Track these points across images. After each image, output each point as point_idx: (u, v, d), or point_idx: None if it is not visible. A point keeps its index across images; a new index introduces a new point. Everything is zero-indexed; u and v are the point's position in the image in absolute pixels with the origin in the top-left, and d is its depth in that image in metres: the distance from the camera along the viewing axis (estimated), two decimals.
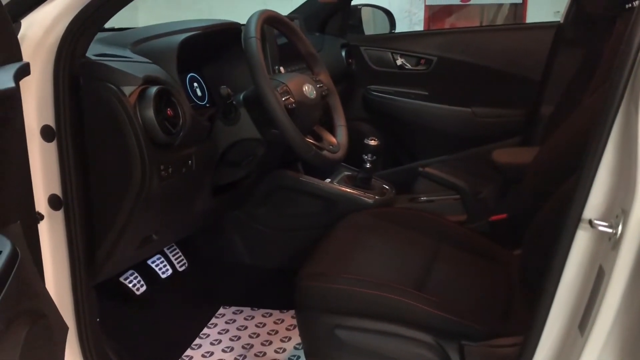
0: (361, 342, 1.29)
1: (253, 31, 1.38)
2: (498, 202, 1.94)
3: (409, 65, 2.64)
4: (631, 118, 0.88)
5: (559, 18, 2.45)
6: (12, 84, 0.93)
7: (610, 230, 0.89)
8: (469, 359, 1.22)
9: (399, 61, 2.65)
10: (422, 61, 2.63)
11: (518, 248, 1.63)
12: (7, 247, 0.85)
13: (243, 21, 1.80)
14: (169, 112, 1.28)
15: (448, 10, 3.67)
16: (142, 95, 1.23)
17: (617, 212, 0.90)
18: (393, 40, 2.69)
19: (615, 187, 0.92)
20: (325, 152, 1.53)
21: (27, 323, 0.88)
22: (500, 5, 3.61)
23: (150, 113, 1.22)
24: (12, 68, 0.97)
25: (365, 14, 2.86)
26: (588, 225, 0.93)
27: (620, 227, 0.88)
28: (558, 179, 1.27)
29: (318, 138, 1.59)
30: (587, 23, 2.12)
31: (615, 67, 0.89)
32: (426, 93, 2.63)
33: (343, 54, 2.55)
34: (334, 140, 1.62)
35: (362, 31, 2.83)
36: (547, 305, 1.00)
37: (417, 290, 1.32)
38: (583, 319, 0.97)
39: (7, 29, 1.00)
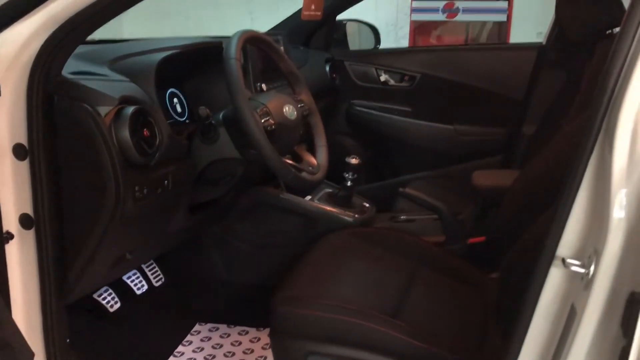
0: None
1: (233, 52, 1.37)
2: (477, 224, 1.94)
3: (392, 81, 2.65)
4: (605, 159, 0.88)
5: (541, 39, 2.48)
6: None
7: (582, 270, 0.89)
8: None
9: (383, 77, 2.65)
10: (406, 77, 2.63)
11: (495, 271, 1.64)
12: None
13: (229, 30, 1.79)
14: (145, 132, 1.26)
15: (433, 24, 3.69)
16: (118, 115, 1.22)
17: (590, 252, 0.90)
18: (377, 56, 2.69)
19: (589, 226, 0.92)
20: (304, 174, 1.52)
21: None
22: (484, 23, 3.64)
23: (125, 134, 1.20)
24: None
25: (351, 28, 2.87)
26: (561, 264, 0.93)
27: (592, 268, 0.88)
28: (535, 205, 1.27)
29: (298, 159, 1.59)
30: (569, 46, 2.14)
31: (591, 108, 0.90)
32: (409, 109, 2.64)
33: (327, 68, 2.55)
34: (313, 161, 1.62)
35: (347, 45, 2.83)
36: (521, 340, 1.00)
37: (391, 317, 1.32)
38: (554, 357, 0.96)
39: None
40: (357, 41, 2.91)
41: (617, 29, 1.85)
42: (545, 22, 2.47)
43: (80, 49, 1.35)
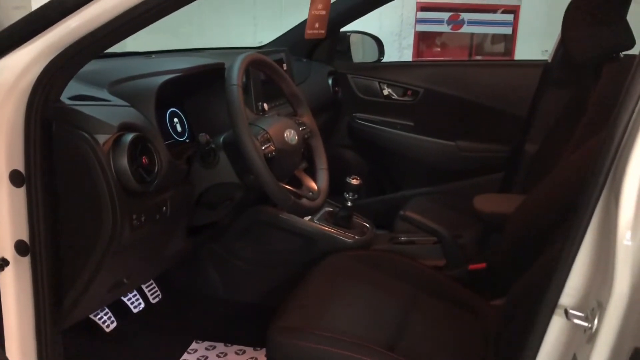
0: None
1: (235, 78, 1.35)
2: (478, 249, 1.93)
3: (395, 96, 2.63)
4: (610, 211, 0.86)
5: (546, 57, 2.46)
6: None
7: (586, 324, 0.88)
8: None
9: (386, 91, 2.64)
10: (409, 92, 2.62)
11: (496, 298, 1.62)
12: None
13: (232, 37, 1.76)
14: (144, 159, 1.24)
15: (438, 33, 3.67)
16: (116, 143, 1.20)
17: (593, 305, 0.88)
18: (380, 69, 2.67)
19: (592, 276, 0.91)
20: (304, 200, 1.51)
21: None
22: (489, 35, 3.62)
23: (124, 162, 1.19)
24: None
25: (355, 39, 2.85)
26: (563, 314, 0.92)
27: (596, 322, 0.86)
28: (538, 235, 1.25)
29: (298, 184, 1.57)
30: (574, 65, 2.12)
31: (598, 157, 0.88)
32: (412, 124, 2.63)
33: (330, 81, 2.53)
34: (313, 186, 1.60)
35: (350, 57, 2.81)
36: None
37: (388, 349, 1.30)
38: None
39: None
40: (360, 52, 2.89)
41: (623, 53, 1.83)
42: (551, 36, 2.45)
43: (82, 70, 1.34)
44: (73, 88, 1.31)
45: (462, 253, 1.89)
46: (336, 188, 1.90)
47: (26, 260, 1.21)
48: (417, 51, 3.64)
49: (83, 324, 1.64)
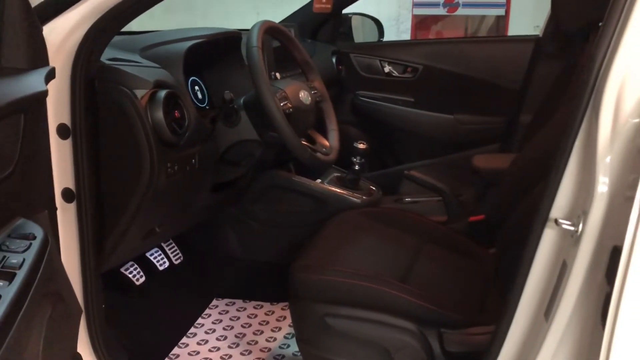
0: (349, 328, 1.41)
1: (255, 41, 1.49)
2: (477, 204, 2.06)
3: (396, 73, 2.76)
4: (592, 130, 1.00)
5: (538, 32, 2.60)
6: (44, 87, 1.03)
7: (572, 228, 1.02)
8: (447, 345, 1.34)
9: (387, 69, 2.77)
10: (409, 69, 2.75)
11: (494, 247, 1.76)
12: (40, 234, 0.94)
13: (235, 26, 1.91)
14: (176, 114, 1.38)
15: (434, 19, 3.81)
16: (152, 98, 1.34)
17: (579, 213, 1.02)
18: (381, 48, 2.81)
19: (578, 191, 1.05)
20: (318, 154, 1.64)
21: (50, 304, 0.97)
22: (484, 17, 3.76)
23: (159, 114, 1.32)
24: (43, 72, 1.07)
25: (355, 22, 2.98)
26: (554, 224, 1.05)
27: (581, 226, 1.00)
28: (531, 183, 1.39)
29: (312, 141, 1.71)
30: (564, 38, 2.26)
31: (579, 84, 1.02)
32: (412, 100, 2.76)
33: (333, 60, 2.67)
34: (326, 143, 1.74)
35: (352, 39, 2.94)
36: (518, 295, 1.12)
37: (401, 282, 1.44)
38: (548, 307, 1.09)
39: (38, 37, 1.10)
40: (361, 34, 3.02)
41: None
42: (542, 16, 2.59)
43: (113, 38, 1.47)
44: (109, 53, 1.44)
45: (462, 208, 2.02)
46: (343, 161, 2.04)
47: (72, 207, 1.34)
48: (415, 36, 3.78)
49: (116, 277, 1.78)
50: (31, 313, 0.87)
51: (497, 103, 2.62)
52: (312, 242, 1.62)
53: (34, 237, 0.93)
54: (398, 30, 3.86)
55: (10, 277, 0.82)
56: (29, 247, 0.90)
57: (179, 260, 2.03)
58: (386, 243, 1.67)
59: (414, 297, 1.37)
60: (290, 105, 1.57)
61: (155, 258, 1.94)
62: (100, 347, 1.42)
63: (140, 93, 1.32)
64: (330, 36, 2.79)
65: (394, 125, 2.78)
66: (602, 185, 0.98)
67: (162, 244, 2.01)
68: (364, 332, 1.40)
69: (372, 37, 2.97)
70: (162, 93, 1.34)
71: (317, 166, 1.67)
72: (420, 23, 3.78)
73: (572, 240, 1.03)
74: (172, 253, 2.03)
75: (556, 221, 1.05)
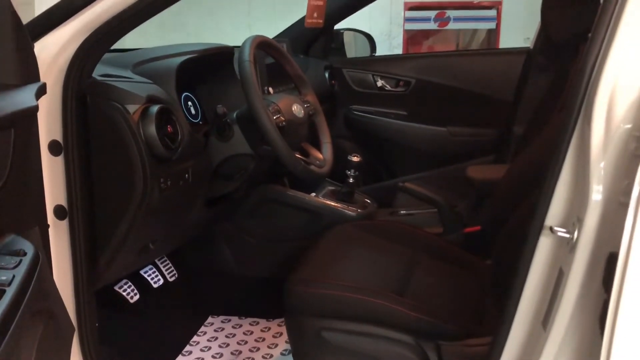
0: (346, 343, 1.39)
1: (247, 55, 1.49)
2: (472, 215, 2.06)
3: (388, 87, 2.78)
4: (585, 138, 1.01)
5: (528, 44, 2.62)
6: (35, 103, 1.03)
7: (567, 236, 1.01)
8: (445, 357, 1.33)
9: (379, 83, 2.78)
10: (401, 83, 2.76)
11: (490, 258, 1.76)
12: (30, 250, 0.93)
13: (229, 42, 1.91)
14: (169, 128, 1.38)
15: (426, 34, 3.84)
16: (144, 113, 1.33)
17: (574, 220, 1.02)
18: (373, 63, 2.82)
19: (572, 198, 1.05)
20: (312, 167, 1.64)
21: (42, 323, 0.96)
22: (475, 30, 3.80)
23: (152, 129, 1.32)
24: (33, 88, 1.07)
25: (348, 37, 3.00)
26: (549, 232, 1.05)
27: (576, 233, 1.00)
28: (525, 192, 1.39)
29: (306, 154, 1.71)
30: (554, 49, 2.28)
31: (571, 92, 1.02)
32: (405, 113, 2.77)
33: (326, 75, 2.68)
34: (320, 155, 1.74)
35: (344, 54, 2.96)
36: (514, 304, 1.11)
37: (397, 295, 1.43)
38: (545, 316, 1.08)
39: (29, 53, 1.10)
40: (353, 50, 3.04)
41: None
42: (533, 28, 2.62)
43: (105, 55, 1.47)
44: (101, 69, 1.44)
45: (458, 220, 2.02)
46: (337, 175, 2.04)
47: (64, 224, 1.33)
48: (407, 51, 3.81)
49: (110, 295, 1.76)
50: (21, 332, 0.85)
51: (490, 115, 2.64)
52: (308, 255, 1.61)
53: (25, 254, 0.92)
54: (390, 45, 3.90)
55: None
56: (19, 264, 0.89)
57: (173, 278, 2.02)
58: (382, 256, 1.66)
59: (411, 310, 1.36)
60: (283, 119, 1.57)
61: (149, 275, 1.92)
62: None
63: (132, 108, 1.32)
64: (322, 52, 2.81)
65: (388, 138, 2.78)
66: (596, 191, 0.98)
67: (156, 261, 2.00)
68: (361, 346, 1.39)
69: (365, 52, 2.99)
70: (155, 108, 1.34)
71: (310, 179, 1.67)
72: (412, 38, 3.81)
73: (567, 247, 1.03)
74: (166, 270, 2.01)
75: (551, 229, 1.04)
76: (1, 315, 0.78)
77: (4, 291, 0.82)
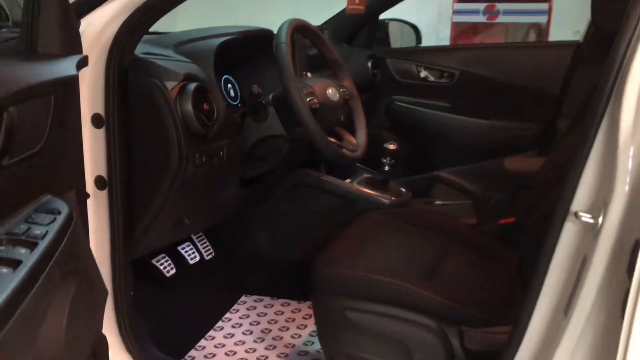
0: (369, 324, 1.40)
1: (284, 37, 1.52)
2: (508, 207, 2.03)
3: (432, 78, 2.75)
4: (614, 124, 0.99)
5: (578, 37, 2.55)
6: (74, 72, 1.08)
7: (592, 221, 1.00)
8: (468, 343, 1.32)
9: (423, 73, 2.76)
10: (445, 74, 2.73)
11: None
12: (65, 210, 0.98)
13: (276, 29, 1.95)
14: (205, 106, 1.42)
15: (473, 30, 3.77)
16: (182, 90, 1.38)
17: (600, 206, 1.00)
18: (418, 53, 2.81)
19: (600, 185, 1.03)
20: (344, 151, 1.66)
21: (74, 282, 1.01)
22: (524, 25, 3.70)
23: (188, 106, 1.37)
24: (75, 59, 1.13)
25: (393, 28, 2.99)
26: (574, 218, 1.03)
27: (600, 219, 0.98)
28: (558, 181, 1.36)
29: (339, 138, 1.72)
30: (603, 43, 2.21)
31: (603, 78, 1.00)
32: (448, 105, 2.74)
33: (369, 64, 2.68)
34: (354, 140, 1.75)
35: (389, 44, 2.96)
36: (537, 291, 1.10)
37: (423, 280, 1.43)
38: (568, 303, 1.06)
39: (74, 27, 1.16)
40: (399, 41, 3.03)
41: None
42: (583, 22, 2.54)
43: (148, 37, 1.53)
44: (144, 48, 1.50)
45: (492, 211, 2.00)
46: (372, 163, 2.04)
47: (104, 194, 1.40)
48: (454, 43, 3.75)
49: (147, 268, 1.83)
50: (52, 285, 0.90)
51: (535, 109, 2.58)
52: (336, 238, 1.63)
53: (59, 212, 0.97)
54: (437, 38, 3.84)
55: (32, 245, 0.86)
56: (53, 221, 0.94)
57: (210, 256, 2.08)
58: (411, 242, 1.66)
59: (435, 294, 1.36)
60: (316, 101, 1.59)
61: (186, 252, 1.98)
62: (127, 332, 1.47)
63: (170, 85, 1.37)
64: (366, 41, 2.81)
65: (429, 130, 2.76)
66: (623, 177, 0.96)
67: (194, 239, 2.06)
68: (384, 328, 1.40)
69: (410, 43, 2.97)
70: (192, 86, 1.39)
71: (341, 161, 1.68)
72: (460, 35, 3.75)
73: (592, 234, 1.01)
74: (203, 248, 2.07)
75: (576, 214, 1.03)
76: (34, 263, 0.83)
77: (36, 243, 0.87)
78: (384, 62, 2.78)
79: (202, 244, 2.07)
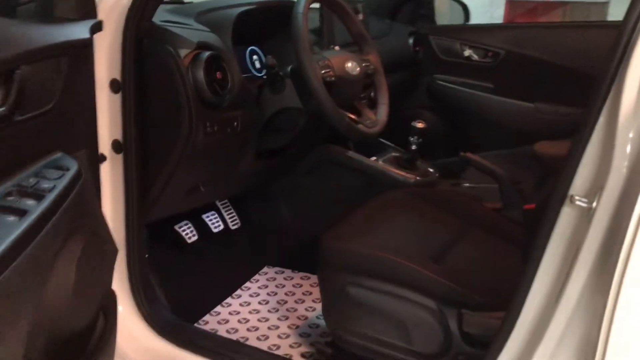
0: (369, 300, 1.40)
1: (301, 7, 1.51)
2: (536, 192, 1.95)
3: (476, 57, 2.66)
4: (616, 106, 0.93)
5: None
6: (87, 35, 1.12)
7: (586, 205, 0.95)
8: (466, 326, 1.29)
9: (467, 52, 2.67)
10: (490, 54, 2.64)
11: None
12: (74, 167, 1.02)
13: None
14: (218, 75, 1.43)
15: (531, 10, 3.61)
16: (195, 58, 1.40)
17: (596, 190, 0.95)
18: (462, 31, 2.72)
19: (598, 171, 0.97)
20: (360, 126, 1.63)
21: (83, 240, 1.04)
22: (584, 6, 3.51)
23: (200, 74, 1.39)
24: (89, 23, 1.17)
25: (440, 4, 2.91)
26: (569, 202, 0.99)
27: (595, 203, 0.93)
28: None
29: (358, 113, 1.70)
30: None
31: (607, 58, 0.95)
32: (491, 86, 2.65)
33: (410, 41, 2.62)
34: (373, 116, 1.72)
35: (434, 21, 2.87)
36: (531, 276, 1.06)
37: (431, 261, 1.40)
38: (561, 288, 1.02)
39: None
40: (446, 18, 2.94)
41: None
42: None
43: (173, 5, 1.55)
44: (164, 15, 1.53)
45: (520, 196, 1.92)
46: (400, 142, 2.00)
47: (120, 157, 1.44)
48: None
49: (169, 233, 1.88)
50: (59, 236, 0.93)
51: (582, 93, 2.45)
52: (350, 214, 1.62)
53: (68, 169, 1.01)
54: (491, 16, 3.71)
55: (39, 198, 0.90)
56: (61, 177, 0.98)
57: (236, 226, 2.11)
58: (428, 223, 1.63)
59: (437, 274, 1.34)
60: (332, 74, 1.57)
61: (210, 220, 2.02)
62: (139, 290, 1.52)
63: (183, 52, 1.39)
64: (410, 18, 2.74)
65: (471, 111, 2.68)
66: (621, 160, 0.91)
67: (221, 209, 2.10)
68: (384, 305, 1.39)
69: (458, 22, 2.88)
70: (205, 54, 1.40)
71: (356, 137, 1.66)
72: (514, 9, 3.59)
73: (587, 217, 0.96)
74: (230, 218, 2.11)
75: (571, 198, 0.98)
76: (38, 215, 0.86)
77: (43, 196, 0.91)
78: (427, 39, 2.70)
79: (228, 214, 2.11)
